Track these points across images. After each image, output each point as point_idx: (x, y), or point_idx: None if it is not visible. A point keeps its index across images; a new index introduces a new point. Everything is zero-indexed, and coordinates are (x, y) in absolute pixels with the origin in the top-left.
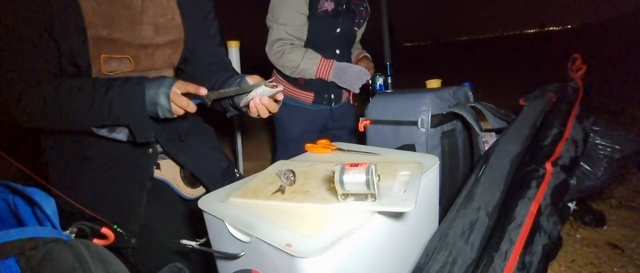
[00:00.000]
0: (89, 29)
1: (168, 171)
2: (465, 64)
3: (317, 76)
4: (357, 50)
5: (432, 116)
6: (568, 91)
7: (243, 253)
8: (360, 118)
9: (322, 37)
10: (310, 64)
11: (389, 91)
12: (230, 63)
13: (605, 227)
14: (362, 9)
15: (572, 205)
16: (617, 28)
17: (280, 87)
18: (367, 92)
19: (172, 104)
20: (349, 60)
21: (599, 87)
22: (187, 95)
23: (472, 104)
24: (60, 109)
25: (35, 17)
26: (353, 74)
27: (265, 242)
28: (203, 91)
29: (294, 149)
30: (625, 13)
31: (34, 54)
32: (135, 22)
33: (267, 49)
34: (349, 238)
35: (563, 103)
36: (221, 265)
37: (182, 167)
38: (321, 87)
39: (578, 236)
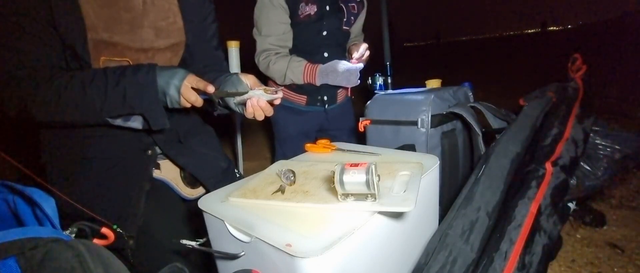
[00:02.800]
0: (90, 32)
1: (168, 171)
2: (465, 64)
3: (305, 82)
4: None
5: (432, 116)
6: (568, 91)
7: (243, 253)
8: (360, 118)
9: (308, 41)
10: (296, 72)
11: (389, 91)
12: (226, 67)
13: (605, 227)
14: (353, 4)
15: (572, 205)
16: (617, 28)
17: (280, 94)
18: (367, 92)
19: (181, 97)
20: (340, 59)
21: (599, 88)
22: (196, 90)
23: (472, 104)
24: (74, 101)
25: (38, 14)
26: (338, 74)
27: (265, 242)
28: (211, 89)
29: (291, 149)
30: (625, 13)
31: (43, 50)
32: (136, 26)
33: (255, 60)
34: (349, 238)
35: (563, 103)
36: (221, 265)
37: (181, 168)
38: (313, 90)
39: (578, 236)
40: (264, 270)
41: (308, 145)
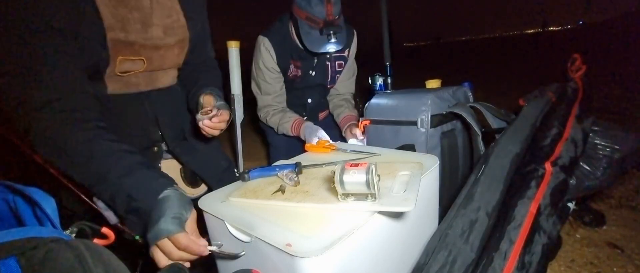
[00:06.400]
0: (109, 33)
1: (168, 171)
2: (465, 64)
3: (293, 134)
4: (347, 110)
5: (431, 116)
6: (567, 91)
7: (243, 253)
8: (360, 118)
9: (294, 92)
10: (286, 127)
11: (388, 91)
12: (216, 63)
13: (604, 227)
14: (340, 62)
15: (571, 205)
16: (617, 28)
17: (214, 112)
18: (367, 93)
19: (155, 247)
20: (321, 106)
21: (599, 88)
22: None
23: (472, 104)
24: (76, 170)
25: (68, 26)
26: (312, 138)
27: (265, 242)
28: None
29: (283, 152)
30: (625, 13)
31: (73, 73)
32: (146, 24)
33: (258, 113)
34: (349, 238)
35: (562, 103)
36: (221, 265)
37: (184, 166)
38: (297, 111)
39: (578, 236)
40: (264, 270)
41: (308, 145)
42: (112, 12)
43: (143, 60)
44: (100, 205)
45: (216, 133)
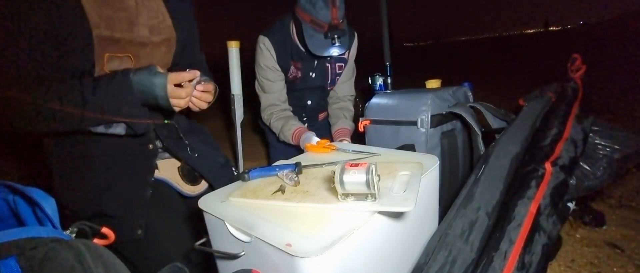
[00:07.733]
0: (94, 30)
1: (167, 170)
2: (465, 64)
3: (294, 143)
4: (342, 122)
5: (431, 116)
6: (567, 91)
7: (243, 253)
8: (360, 118)
9: (294, 93)
10: (286, 135)
11: (388, 91)
12: (206, 66)
13: (604, 227)
14: (340, 64)
15: (571, 205)
16: (617, 28)
17: (198, 78)
18: (367, 93)
19: (169, 97)
20: (320, 107)
21: (599, 88)
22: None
23: (472, 104)
24: (53, 116)
25: (40, 22)
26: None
27: (265, 242)
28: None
29: (282, 152)
30: (625, 13)
31: (37, 59)
32: (132, 24)
33: (261, 113)
34: (349, 238)
35: (562, 103)
36: (221, 264)
37: (182, 163)
38: (297, 112)
39: (578, 236)
40: (264, 270)
41: (308, 145)
42: (97, 12)
43: (130, 57)
44: (102, 129)
45: (204, 105)
